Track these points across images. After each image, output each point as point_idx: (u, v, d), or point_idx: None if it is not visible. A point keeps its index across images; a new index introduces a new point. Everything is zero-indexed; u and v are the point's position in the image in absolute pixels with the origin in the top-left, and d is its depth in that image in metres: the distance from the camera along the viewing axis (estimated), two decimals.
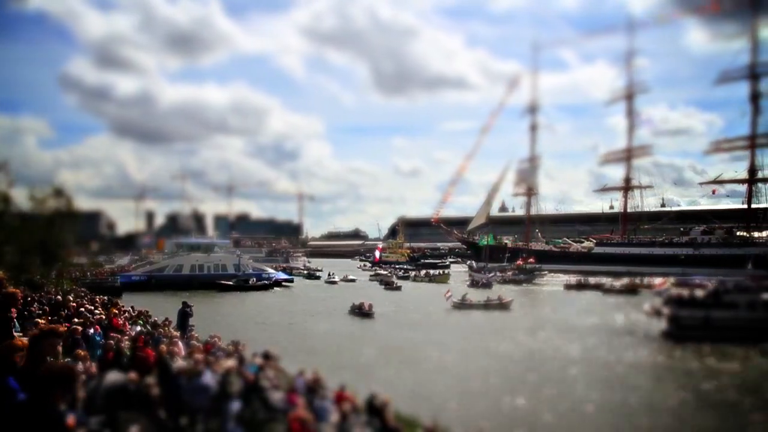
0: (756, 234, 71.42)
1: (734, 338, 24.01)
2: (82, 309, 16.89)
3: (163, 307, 25.22)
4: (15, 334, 7.49)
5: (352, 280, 68.98)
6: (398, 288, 59.09)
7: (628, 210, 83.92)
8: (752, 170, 73.47)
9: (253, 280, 59.12)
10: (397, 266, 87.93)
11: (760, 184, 73.21)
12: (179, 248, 71.27)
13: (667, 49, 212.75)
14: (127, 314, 19.63)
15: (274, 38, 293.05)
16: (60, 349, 4.02)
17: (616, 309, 38.68)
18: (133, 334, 13.27)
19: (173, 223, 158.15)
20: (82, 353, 8.77)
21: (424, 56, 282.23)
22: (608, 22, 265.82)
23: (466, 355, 23.93)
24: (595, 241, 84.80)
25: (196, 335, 13.88)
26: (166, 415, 7.08)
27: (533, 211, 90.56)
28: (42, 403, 3.08)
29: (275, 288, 59.59)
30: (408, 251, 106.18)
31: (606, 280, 54.60)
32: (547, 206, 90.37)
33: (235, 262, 63.48)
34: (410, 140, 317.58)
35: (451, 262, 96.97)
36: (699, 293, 27.11)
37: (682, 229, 78.68)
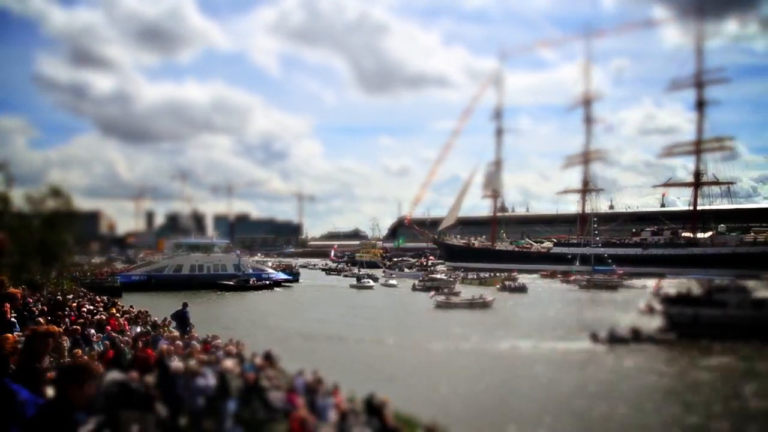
0: (700, 235, 74.99)
1: (723, 336, 24.53)
2: (84, 309, 16.92)
3: (163, 307, 25.23)
4: (15, 334, 7.50)
5: (392, 285, 60.99)
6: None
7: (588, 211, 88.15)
8: (697, 174, 77.72)
9: (253, 280, 59.09)
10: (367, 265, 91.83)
11: (705, 187, 77.14)
12: (179, 248, 71.25)
13: (650, 49, 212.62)
14: (127, 315, 19.63)
15: (247, 35, 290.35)
16: (65, 348, 4.02)
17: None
18: (133, 334, 13.29)
19: (173, 223, 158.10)
20: (79, 353, 8.79)
21: (402, 53, 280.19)
22: (585, 19, 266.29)
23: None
24: (554, 241, 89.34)
25: (196, 335, 13.88)
26: (166, 415, 7.09)
27: (533, 212, 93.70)
28: (61, 406, 3.02)
29: (275, 288, 59.55)
30: (381, 251, 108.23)
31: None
32: (539, 206, 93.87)
33: (234, 262, 63.45)
34: (397, 139, 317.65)
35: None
36: (692, 292, 27.98)
37: (633, 230, 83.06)
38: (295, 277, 68.70)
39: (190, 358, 9.10)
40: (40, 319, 10.56)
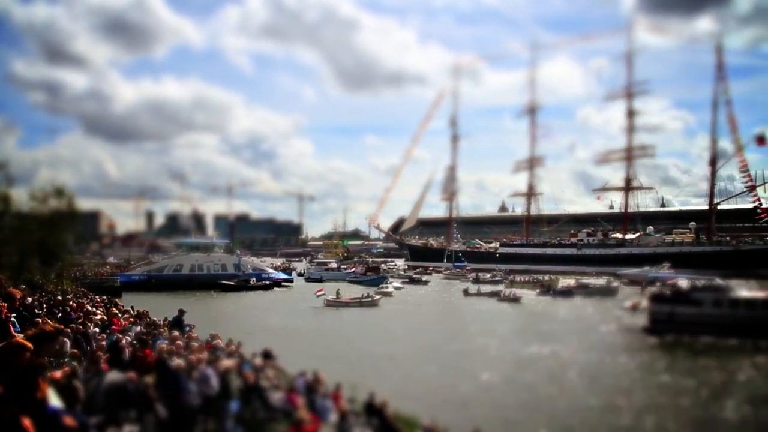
0: (628, 236, 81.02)
1: (699, 333, 25.18)
2: (84, 309, 16.91)
3: (163, 307, 25.23)
4: (15, 334, 7.50)
5: (423, 282, 62.60)
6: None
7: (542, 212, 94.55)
8: (627, 180, 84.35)
9: (253, 280, 59.07)
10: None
11: (635, 191, 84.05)
12: (179, 248, 71.23)
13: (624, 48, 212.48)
14: (127, 315, 19.63)
15: (217, 32, 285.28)
16: (67, 348, 4.02)
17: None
18: (132, 334, 13.28)
19: (173, 223, 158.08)
20: (78, 353, 8.79)
21: (377, 50, 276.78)
22: (565, 18, 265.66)
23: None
24: (503, 242, 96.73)
25: (196, 335, 13.86)
26: (165, 415, 7.08)
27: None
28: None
29: (275, 288, 59.55)
30: (342, 251, 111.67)
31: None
32: (539, 207, 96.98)
33: (235, 262, 63.46)
34: (383, 138, 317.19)
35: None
36: (672, 290, 28.80)
37: (572, 231, 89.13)
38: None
39: (190, 358, 9.09)
40: (39, 320, 10.54)
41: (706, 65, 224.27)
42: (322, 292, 41.99)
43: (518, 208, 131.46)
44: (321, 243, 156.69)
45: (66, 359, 8.84)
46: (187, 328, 15.63)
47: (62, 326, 9.92)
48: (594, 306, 39.77)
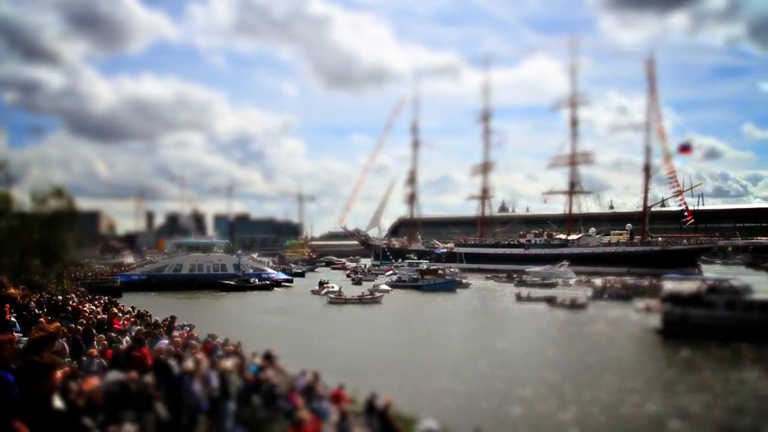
0: (571, 236, 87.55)
1: (712, 336, 24.13)
2: (85, 310, 16.91)
3: (163, 308, 25.27)
4: (15, 334, 7.50)
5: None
6: None
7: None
8: (571, 184, 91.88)
9: (254, 280, 59.03)
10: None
11: (579, 195, 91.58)
12: (178, 248, 71.20)
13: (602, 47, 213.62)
14: (128, 315, 19.64)
15: (189, 29, 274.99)
16: (67, 349, 4.03)
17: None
18: (133, 334, 13.28)
19: (173, 223, 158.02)
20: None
21: (354, 47, 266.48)
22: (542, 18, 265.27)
23: None
24: (459, 242, 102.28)
25: (196, 335, 13.87)
26: (165, 414, 7.09)
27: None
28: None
29: (275, 288, 59.52)
30: (309, 251, 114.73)
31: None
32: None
33: (234, 261, 63.41)
34: (370, 137, 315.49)
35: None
36: (687, 291, 27.75)
37: (521, 232, 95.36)
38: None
39: (190, 358, 9.09)
40: (42, 320, 10.56)
41: (692, 65, 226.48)
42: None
43: (518, 209, 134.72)
44: (322, 243, 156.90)
45: (65, 359, 8.85)
46: (187, 329, 15.64)
47: (62, 327, 9.93)
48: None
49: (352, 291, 47.69)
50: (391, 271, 68.97)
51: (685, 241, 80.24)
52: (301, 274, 77.28)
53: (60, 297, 22.98)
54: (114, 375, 7.29)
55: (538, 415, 14.99)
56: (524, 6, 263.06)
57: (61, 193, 30.88)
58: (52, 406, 3.30)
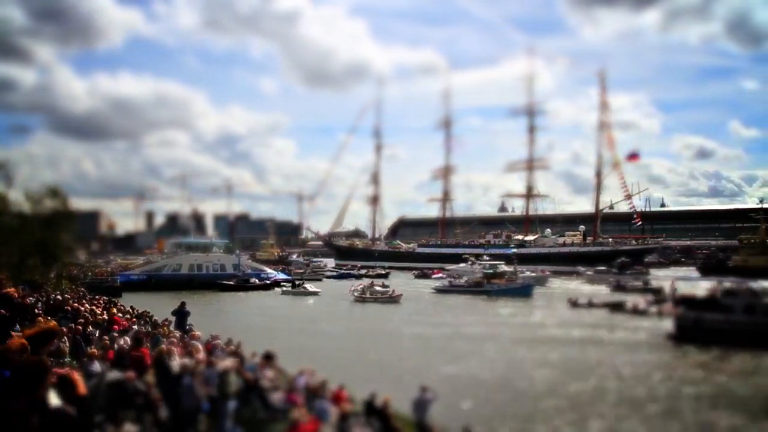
0: (528, 237, 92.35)
1: (728, 341, 22.92)
2: (86, 312, 16.88)
3: (163, 307, 25.21)
4: (15, 334, 7.48)
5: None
6: None
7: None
8: (529, 187, 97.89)
9: (253, 280, 59.01)
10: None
11: (536, 198, 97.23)
12: (178, 248, 71.18)
13: (581, 47, 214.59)
14: (128, 315, 19.62)
15: (165, 26, 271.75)
16: (66, 349, 4.02)
17: None
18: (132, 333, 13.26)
19: (173, 223, 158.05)
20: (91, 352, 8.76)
21: (328, 42, 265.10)
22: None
23: None
24: (421, 242, 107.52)
25: (197, 334, 13.86)
26: (165, 414, 7.08)
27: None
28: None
29: (275, 288, 59.46)
30: (278, 251, 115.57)
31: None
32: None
33: (234, 262, 63.38)
34: (356, 136, 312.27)
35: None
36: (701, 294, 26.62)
37: (482, 233, 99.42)
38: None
39: (190, 357, 9.09)
40: (40, 319, 10.53)
41: (675, 65, 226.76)
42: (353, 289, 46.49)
43: (517, 209, 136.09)
44: (322, 243, 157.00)
45: (65, 359, 8.85)
46: (188, 327, 15.64)
47: (60, 327, 9.92)
48: None
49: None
50: (440, 274, 64.09)
51: (633, 241, 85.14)
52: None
53: (59, 297, 22.95)
54: (114, 374, 7.28)
55: None
56: (501, 5, 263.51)
57: (56, 193, 30.90)
58: (48, 404, 3.29)
